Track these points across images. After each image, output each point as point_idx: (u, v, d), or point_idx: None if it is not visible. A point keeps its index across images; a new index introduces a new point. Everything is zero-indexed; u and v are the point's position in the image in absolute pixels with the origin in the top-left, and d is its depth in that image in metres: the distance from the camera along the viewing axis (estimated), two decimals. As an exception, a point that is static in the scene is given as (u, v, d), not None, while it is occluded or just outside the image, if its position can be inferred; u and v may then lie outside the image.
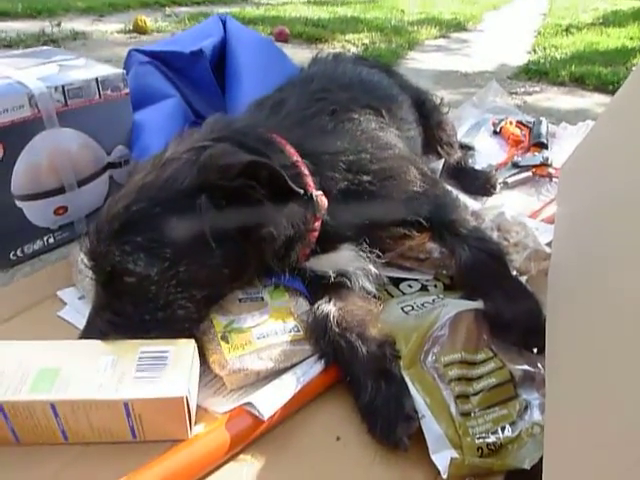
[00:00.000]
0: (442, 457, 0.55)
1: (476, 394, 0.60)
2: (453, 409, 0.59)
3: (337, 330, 0.66)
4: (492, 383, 0.62)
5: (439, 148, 1.14)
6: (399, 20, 3.51)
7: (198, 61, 1.07)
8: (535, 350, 0.65)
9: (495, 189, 1.16)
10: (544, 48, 2.83)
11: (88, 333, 0.62)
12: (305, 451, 0.59)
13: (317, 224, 0.69)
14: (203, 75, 1.08)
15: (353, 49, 2.66)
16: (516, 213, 0.90)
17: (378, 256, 0.74)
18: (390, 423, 0.58)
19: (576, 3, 4.80)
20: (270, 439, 0.60)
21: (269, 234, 0.63)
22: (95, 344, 0.61)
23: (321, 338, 0.66)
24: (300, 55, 2.41)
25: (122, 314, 0.62)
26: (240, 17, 3.16)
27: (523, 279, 0.78)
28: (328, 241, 0.72)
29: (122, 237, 0.59)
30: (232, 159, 0.60)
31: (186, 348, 0.60)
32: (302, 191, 0.63)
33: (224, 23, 1.13)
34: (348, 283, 0.73)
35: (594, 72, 2.24)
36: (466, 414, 0.58)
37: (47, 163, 0.84)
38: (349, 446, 0.60)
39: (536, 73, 2.32)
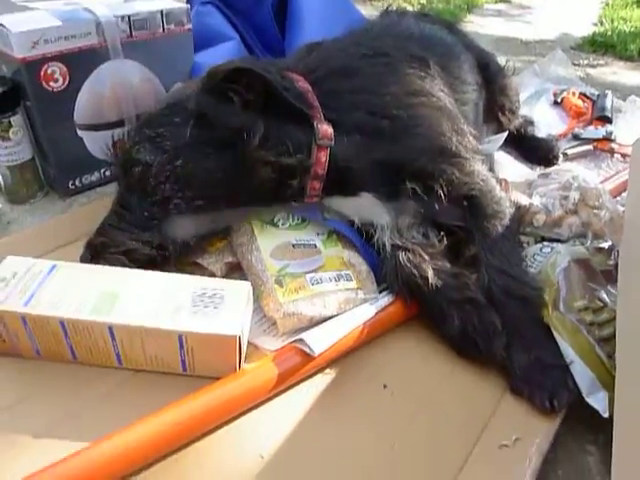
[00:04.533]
0: (598, 398, 0.57)
1: (610, 339, 0.60)
2: (599, 351, 0.59)
3: (409, 267, 0.66)
4: (612, 332, 0.60)
5: (500, 114, 1.09)
6: (458, -19, 3.33)
7: (260, 4, 1.04)
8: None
9: (557, 160, 1.12)
10: (612, 20, 2.66)
11: (100, 227, 0.67)
12: (351, 396, 0.59)
13: (322, 154, 0.67)
14: (265, 19, 1.05)
15: (409, 7, 2.55)
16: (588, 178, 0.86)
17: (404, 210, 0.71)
18: (486, 340, 0.61)
19: (649, -25, 4.46)
20: (316, 382, 0.61)
21: (257, 143, 0.64)
22: (153, 275, 0.62)
23: (394, 280, 0.67)
24: (354, 11, 2.34)
25: (128, 207, 0.67)
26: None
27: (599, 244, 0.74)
28: (344, 182, 0.70)
29: (137, 131, 0.67)
30: (225, 65, 0.63)
31: (241, 288, 0.61)
32: (299, 105, 0.64)
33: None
34: (372, 233, 0.72)
35: (666, 48, 2.10)
36: (611, 356, 0.58)
37: (110, 94, 0.84)
38: (395, 394, 0.60)
39: (602, 45, 2.19)
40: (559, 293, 0.64)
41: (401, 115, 0.71)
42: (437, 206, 0.71)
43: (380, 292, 0.70)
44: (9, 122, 0.79)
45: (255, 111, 0.64)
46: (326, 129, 0.67)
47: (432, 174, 0.70)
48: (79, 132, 0.85)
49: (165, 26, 0.86)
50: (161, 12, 0.85)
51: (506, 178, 0.91)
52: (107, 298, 0.57)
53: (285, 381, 0.58)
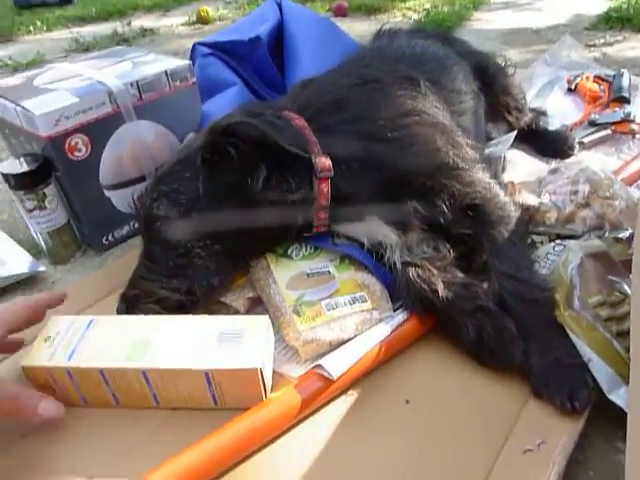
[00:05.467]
0: (620, 395, 0.57)
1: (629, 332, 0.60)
2: (617, 346, 0.60)
3: (419, 282, 0.69)
4: None
5: (506, 114, 1.10)
6: (462, -20, 3.32)
7: (257, 47, 1.11)
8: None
9: (573, 150, 1.10)
10: (627, -8, 2.57)
11: (132, 279, 0.73)
12: (374, 414, 0.62)
13: (323, 186, 0.71)
14: (263, 61, 1.12)
15: (414, 16, 2.57)
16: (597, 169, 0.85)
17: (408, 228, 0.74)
18: (503, 347, 0.63)
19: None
20: (341, 401, 0.63)
21: (261, 186, 0.68)
22: (179, 319, 0.67)
23: (406, 296, 0.70)
24: (359, 28, 2.38)
25: (153, 259, 0.72)
26: (298, -4, 3.16)
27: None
28: (348, 209, 0.73)
29: (154, 188, 0.72)
30: (224, 121, 0.68)
31: (260, 322, 0.65)
32: (295, 149, 0.67)
33: (279, 5, 1.16)
34: (382, 253, 0.75)
35: (687, 13, 2.02)
36: (629, 350, 0.58)
37: (128, 154, 0.92)
38: (418, 408, 0.62)
39: (618, 21, 2.12)
40: (573, 291, 0.64)
41: (396, 137, 0.73)
42: (442, 219, 0.73)
43: (396, 309, 0.72)
44: (43, 193, 0.88)
45: (256, 156, 0.68)
46: (324, 162, 0.71)
47: (432, 190, 0.72)
48: (106, 192, 0.92)
49: (171, 84, 0.93)
50: (165, 72, 0.92)
51: (515, 179, 0.91)
52: (140, 345, 0.63)
53: (309, 406, 0.61)
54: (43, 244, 0.95)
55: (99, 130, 0.87)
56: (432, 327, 0.70)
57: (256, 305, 0.77)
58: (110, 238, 0.97)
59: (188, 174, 0.70)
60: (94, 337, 0.64)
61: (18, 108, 0.83)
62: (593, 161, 1.07)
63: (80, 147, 0.86)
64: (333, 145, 0.72)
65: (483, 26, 2.35)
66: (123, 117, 0.89)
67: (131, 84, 0.88)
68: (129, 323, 0.67)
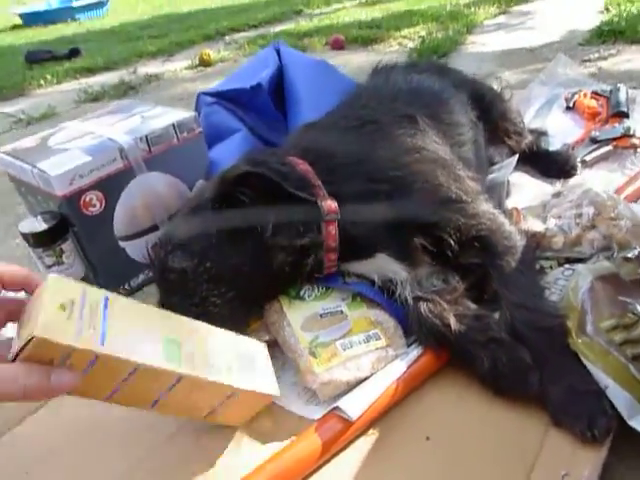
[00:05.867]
0: None
1: None
2: (633, 370, 0.59)
3: (431, 317, 0.69)
4: None
5: (507, 139, 1.12)
6: (454, 5, 3.40)
7: (258, 94, 1.16)
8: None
9: (576, 170, 1.11)
10: (618, 4, 2.61)
11: None
12: (395, 451, 0.62)
13: (331, 228, 0.72)
14: (265, 106, 1.17)
15: (410, 44, 2.63)
16: (600, 190, 0.86)
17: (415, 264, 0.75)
18: (519, 377, 0.63)
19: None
20: (361, 442, 0.64)
21: (270, 232, 0.70)
22: (203, 327, 0.63)
23: (419, 331, 0.71)
24: (357, 60, 2.44)
25: (169, 309, 0.70)
26: (295, 32, 3.25)
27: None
28: (357, 248, 0.75)
29: (168, 240, 0.74)
30: (232, 171, 0.71)
31: (260, 348, 0.68)
32: (301, 194, 0.69)
33: (278, 52, 1.21)
34: (393, 289, 0.76)
35: (679, 23, 2.04)
36: None
37: (141, 205, 0.95)
38: (438, 446, 0.62)
39: (611, 34, 2.15)
40: (585, 317, 0.65)
41: (398, 175, 0.75)
42: (450, 252, 0.74)
43: (410, 344, 0.72)
44: (61, 249, 0.91)
45: (265, 204, 0.71)
46: (330, 204, 0.72)
47: (437, 225, 0.73)
48: (120, 243, 0.95)
49: (179, 135, 0.97)
50: (173, 125, 0.96)
51: (519, 204, 0.92)
52: (173, 346, 0.55)
53: (330, 449, 0.61)
54: (62, 298, 0.97)
55: (112, 185, 0.90)
56: (447, 361, 0.71)
57: (271, 348, 0.78)
58: (126, 287, 1.00)
59: (201, 224, 0.72)
60: (118, 322, 0.51)
61: (35, 170, 0.87)
62: (597, 179, 1.08)
63: (94, 202, 0.89)
64: (338, 187, 0.74)
65: (478, 49, 2.39)
66: (134, 171, 0.92)
67: (140, 139, 0.92)
68: (149, 314, 0.57)
